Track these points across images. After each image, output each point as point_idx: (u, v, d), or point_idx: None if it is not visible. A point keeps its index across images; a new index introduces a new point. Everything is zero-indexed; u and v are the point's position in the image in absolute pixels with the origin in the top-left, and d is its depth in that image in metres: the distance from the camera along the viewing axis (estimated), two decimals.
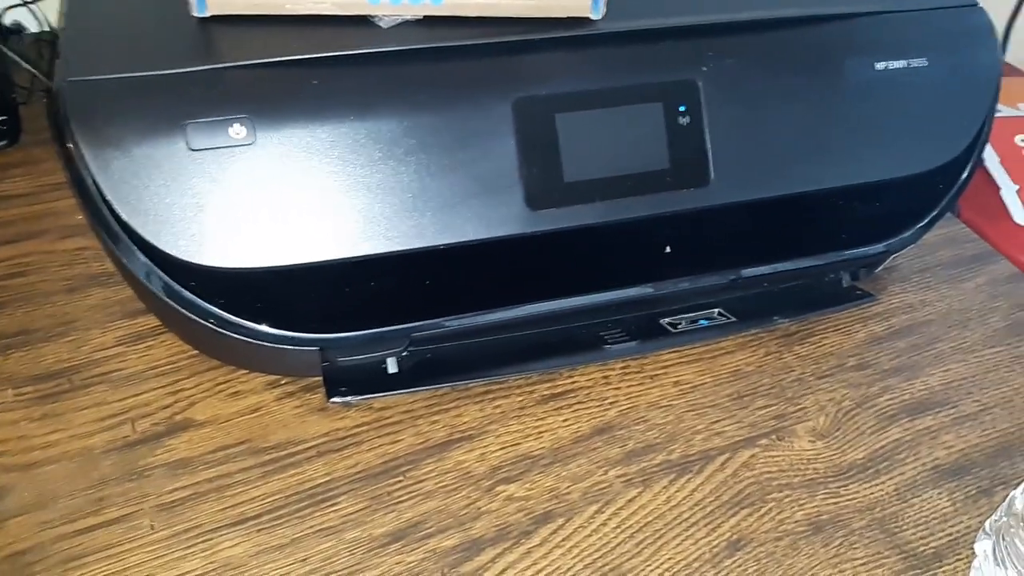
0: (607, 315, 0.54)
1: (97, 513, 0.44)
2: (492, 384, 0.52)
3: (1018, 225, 0.90)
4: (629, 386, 0.52)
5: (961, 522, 0.46)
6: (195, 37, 0.46)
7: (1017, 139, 0.96)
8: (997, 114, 0.98)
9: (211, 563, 0.43)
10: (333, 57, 0.45)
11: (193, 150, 0.42)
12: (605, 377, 0.53)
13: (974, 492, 0.48)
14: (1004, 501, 0.44)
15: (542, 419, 0.50)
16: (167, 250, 0.43)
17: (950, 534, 0.46)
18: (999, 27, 1.00)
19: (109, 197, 0.42)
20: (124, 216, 0.42)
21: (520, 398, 0.51)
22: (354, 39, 0.46)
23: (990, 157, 0.94)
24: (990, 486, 0.48)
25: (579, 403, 0.51)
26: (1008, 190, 0.91)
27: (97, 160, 0.42)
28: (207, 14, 0.46)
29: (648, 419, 0.50)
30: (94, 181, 0.42)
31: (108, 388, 0.50)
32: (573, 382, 0.52)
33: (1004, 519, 0.43)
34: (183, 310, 0.45)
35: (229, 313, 0.45)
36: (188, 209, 0.43)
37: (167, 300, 0.45)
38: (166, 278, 0.44)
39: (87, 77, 0.42)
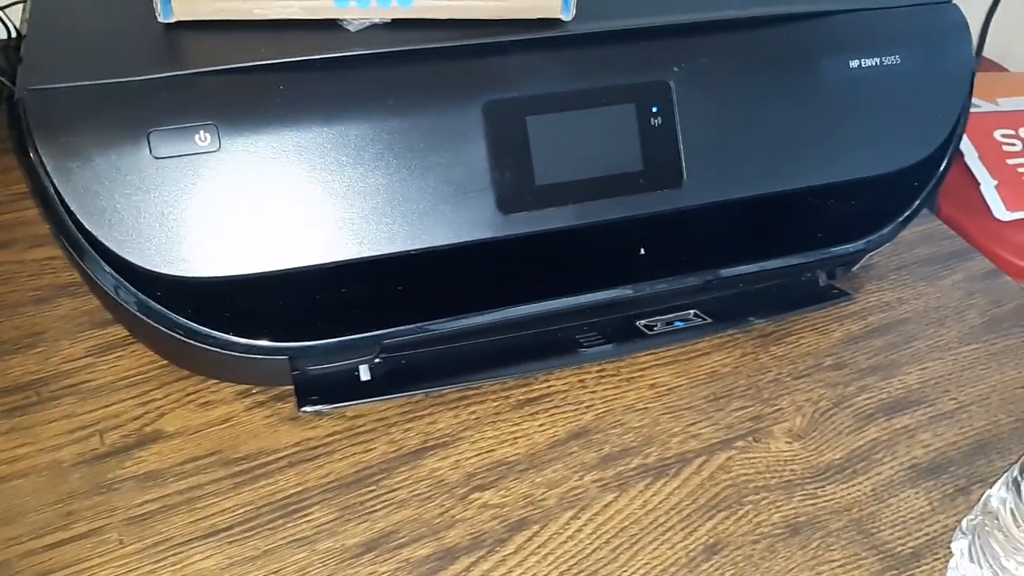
0: (582, 318, 0.54)
1: (66, 528, 0.44)
2: (467, 390, 0.51)
3: (998, 220, 0.90)
4: (605, 389, 0.52)
5: (938, 521, 0.46)
6: (160, 43, 0.46)
7: (996, 134, 0.96)
8: (976, 109, 0.99)
9: None
10: (300, 62, 0.44)
11: (157, 158, 0.42)
12: (581, 381, 0.52)
13: (951, 491, 0.48)
14: (980, 500, 0.44)
15: (517, 424, 0.50)
16: (132, 260, 0.42)
17: (927, 534, 0.46)
18: (978, 22, 1.00)
19: (73, 208, 0.41)
20: (88, 226, 0.42)
21: (495, 403, 0.51)
22: (322, 43, 0.45)
23: (969, 152, 0.94)
24: (967, 484, 0.48)
25: (555, 407, 0.51)
26: (987, 185, 0.92)
27: (59, 170, 0.41)
28: (173, 20, 0.46)
29: (624, 423, 0.50)
30: (56, 191, 0.41)
31: (77, 400, 0.49)
32: (549, 386, 0.52)
33: (980, 518, 0.42)
34: (150, 321, 0.44)
35: (196, 323, 0.44)
36: (153, 218, 0.42)
37: (134, 311, 0.44)
38: (132, 289, 0.43)
39: (48, 85, 0.42)
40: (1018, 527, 0.39)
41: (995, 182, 0.91)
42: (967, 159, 0.93)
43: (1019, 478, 0.40)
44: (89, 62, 0.44)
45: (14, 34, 0.75)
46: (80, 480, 0.46)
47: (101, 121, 0.42)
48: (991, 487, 0.43)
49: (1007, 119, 0.97)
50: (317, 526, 0.44)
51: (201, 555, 0.43)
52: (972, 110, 0.97)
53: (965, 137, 0.93)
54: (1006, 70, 1.13)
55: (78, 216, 0.42)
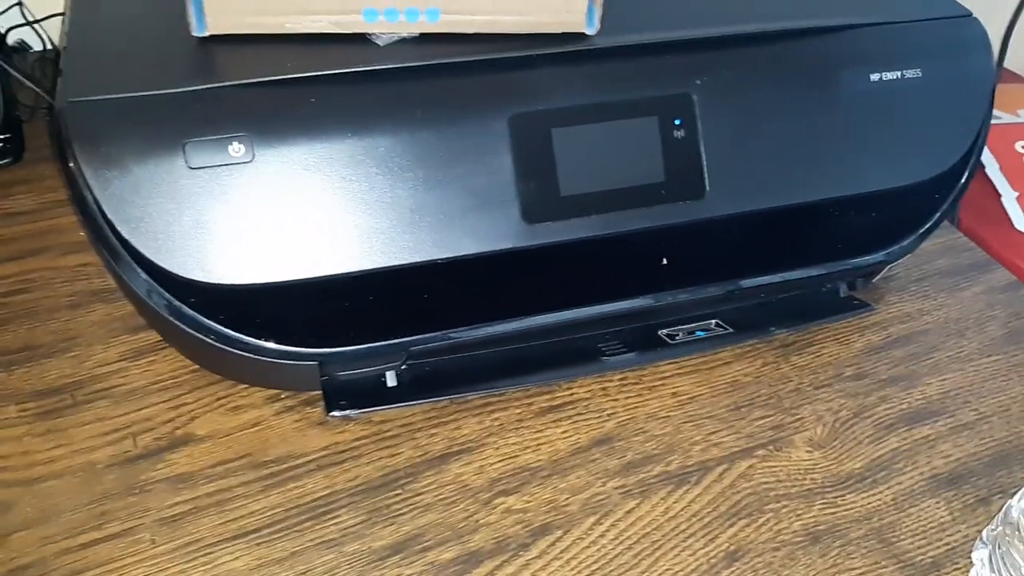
0: (605, 327, 0.54)
1: (99, 528, 0.45)
2: (491, 397, 0.52)
3: (1019, 232, 0.90)
4: (627, 398, 0.52)
5: (959, 531, 0.47)
6: (195, 56, 0.47)
7: (1017, 146, 0.96)
8: (997, 121, 0.99)
9: None
10: (331, 75, 0.46)
11: (192, 168, 0.43)
12: (603, 389, 0.53)
13: (972, 501, 0.48)
14: (1001, 510, 0.44)
15: (540, 431, 0.50)
16: (167, 267, 0.43)
17: (948, 543, 0.46)
18: (998, 33, 1.00)
19: (110, 215, 0.43)
20: (125, 234, 0.43)
21: (519, 410, 0.51)
22: (352, 57, 0.47)
23: (990, 164, 0.94)
24: (988, 495, 0.48)
25: (577, 415, 0.51)
26: (1008, 197, 0.92)
27: (98, 179, 0.42)
28: (207, 33, 0.47)
29: (646, 430, 0.51)
30: (95, 200, 0.42)
31: (110, 403, 0.50)
32: (571, 394, 0.53)
33: (1000, 528, 0.43)
34: (183, 326, 0.45)
35: (229, 329, 0.45)
36: (188, 226, 0.43)
37: (168, 316, 0.45)
38: (166, 295, 0.44)
39: (87, 97, 0.43)
40: None
41: (1016, 194, 0.91)
42: (988, 171, 0.93)
43: None
44: (126, 75, 0.45)
45: (49, 46, 0.77)
46: (113, 481, 0.47)
47: (138, 132, 0.43)
48: (1012, 498, 0.43)
49: None
50: (344, 528, 0.45)
51: (231, 556, 0.44)
52: (993, 122, 0.97)
53: (986, 149, 0.94)
54: None
55: (115, 223, 0.43)
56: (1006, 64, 1.03)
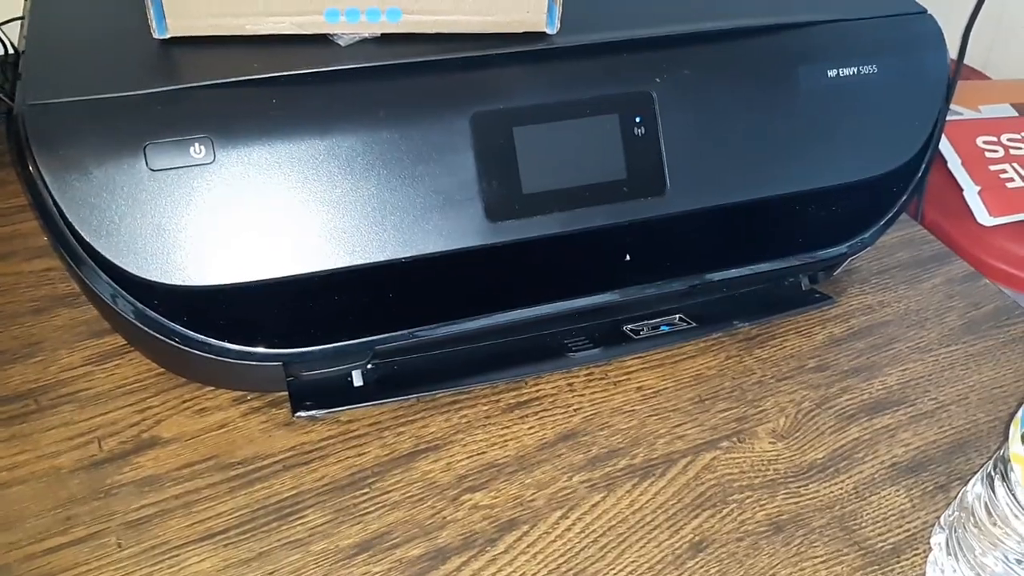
0: (570, 323, 0.55)
1: (64, 532, 0.45)
2: (458, 394, 0.52)
3: (981, 226, 0.92)
4: (593, 393, 0.53)
5: (918, 518, 0.47)
6: (155, 58, 0.47)
7: (979, 141, 0.97)
8: (959, 117, 1.01)
9: None
10: (292, 76, 0.46)
11: (154, 170, 0.43)
12: (570, 384, 0.53)
13: (931, 488, 0.49)
14: (958, 496, 0.45)
15: (507, 427, 0.51)
16: (130, 270, 0.43)
17: (907, 530, 0.47)
18: (958, 30, 1.02)
19: (71, 219, 0.43)
20: (86, 237, 0.43)
21: (486, 407, 0.52)
22: (313, 57, 0.47)
23: (952, 159, 0.95)
24: (946, 482, 0.49)
25: (544, 411, 0.52)
26: (971, 191, 0.93)
27: (58, 183, 0.42)
28: (167, 36, 0.47)
29: (612, 424, 0.51)
30: (55, 203, 0.42)
31: (75, 408, 0.50)
32: (538, 390, 0.53)
33: (956, 513, 0.44)
34: (147, 329, 0.45)
35: (193, 331, 0.45)
36: (150, 229, 0.43)
37: (132, 320, 0.45)
38: (130, 298, 0.44)
39: (47, 100, 0.43)
40: (992, 521, 0.40)
41: (978, 188, 0.93)
42: (950, 166, 0.95)
43: (993, 474, 0.41)
44: (86, 77, 0.45)
45: (11, 51, 0.76)
46: (79, 486, 0.47)
47: (98, 135, 0.43)
48: (968, 484, 0.44)
49: (989, 126, 0.99)
50: (311, 528, 0.45)
51: (198, 557, 0.44)
52: (955, 118, 0.99)
53: (948, 144, 0.95)
54: (988, 78, 1.14)
55: (76, 227, 0.43)
56: (966, 61, 1.05)
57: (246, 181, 0.44)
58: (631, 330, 0.55)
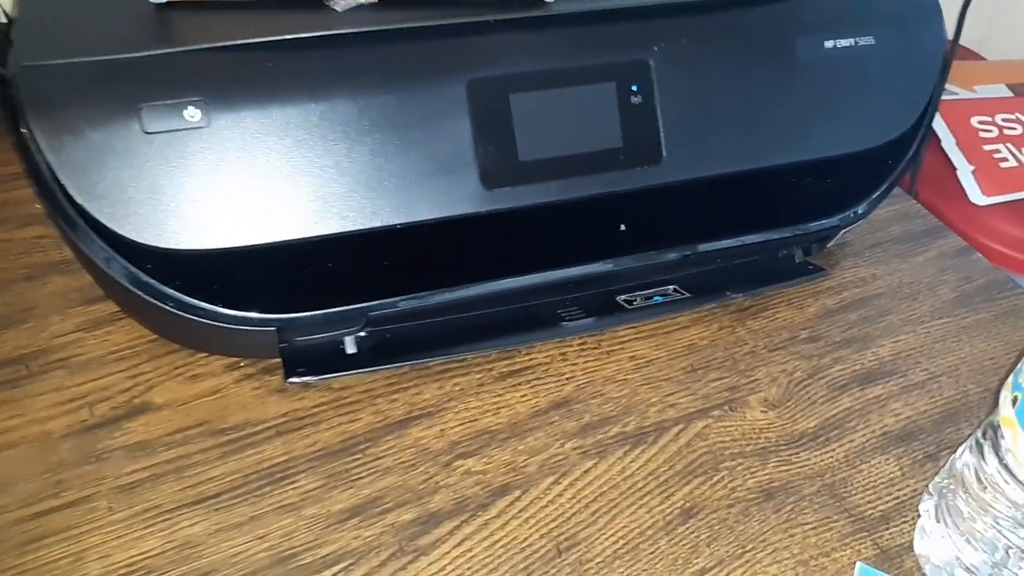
0: (564, 293, 0.55)
1: (55, 496, 0.44)
2: (451, 362, 0.52)
3: (974, 205, 0.92)
4: (586, 362, 0.53)
5: (908, 486, 0.48)
6: (151, 22, 0.47)
7: (973, 120, 0.97)
8: (954, 96, 1.01)
9: (170, 542, 0.43)
10: (288, 40, 0.45)
11: (148, 133, 0.43)
12: (563, 354, 0.53)
13: (921, 457, 0.49)
14: (947, 464, 0.45)
15: (500, 395, 0.51)
16: (123, 233, 0.43)
17: (897, 497, 0.47)
18: (955, 10, 1.02)
19: (64, 182, 0.42)
20: (80, 200, 0.42)
21: (479, 375, 0.52)
22: (309, 22, 0.46)
23: (947, 139, 0.96)
24: (936, 451, 0.50)
25: (537, 379, 0.52)
26: (964, 171, 0.93)
27: (51, 145, 0.42)
28: (164, 0, 0.46)
29: (604, 393, 0.51)
30: (49, 166, 0.42)
31: (66, 373, 0.50)
32: (531, 359, 0.53)
33: (946, 480, 0.44)
34: (141, 293, 0.45)
35: (186, 295, 0.45)
36: (144, 192, 0.43)
37: (125, 284, 0.45)
38: (123, 262, 0.44)
39: (40, 62, 0.42)
40: (981, 487, 0.41)
41: (972, 167, 0.93)
42: (944, 145, 0.95)
43: (982, 440, 0.41)
44: (80, 41, 0.45)
45: (3, 19, 0.75)
46: (69, 451, 0.46)
47: (93, 97, 0.42)
48: (957, 451, 0.45)
49: (984, 106, 0.99)
50: (303, 493, 0.45)
51: (189, 521, 0.44)
52: (949, 97, 0.99)
53: (943, 123, 0.95)
54: (983, 58, 1.14)
55: (70, 190, 0.42)
56: (962, 41, 1.05)
57: (241, 145, 0.44)
58: (624, 300, 0.55)
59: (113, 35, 0.45)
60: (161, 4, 0.47)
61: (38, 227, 0.58)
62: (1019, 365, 0.39)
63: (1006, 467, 0.39)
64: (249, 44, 0.45)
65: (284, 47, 0.45)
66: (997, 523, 0.40)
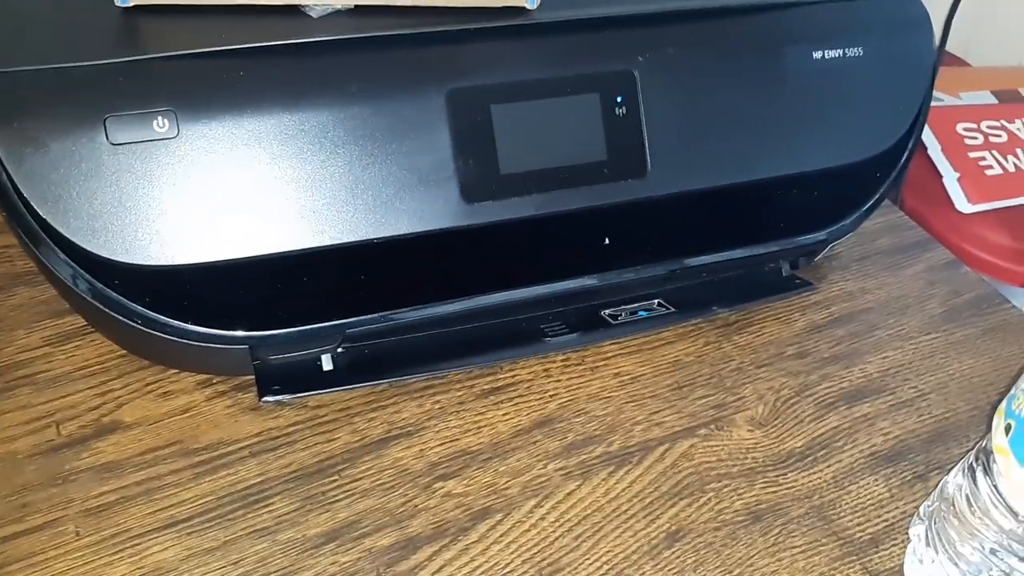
0: (547, 308, 0.53)
1: (20, 520, 0.43)
2: (431, 379, 0.51)
3: (960, 213, 0.92)
4: (570, 378, 0.52)
5: (897, 507, 0.47)
6: (118, 28, 0.45)
7: (959, 127, 0.97)
8: (939, 103, 1.00)
9: (140, 568, 0.42)
10: (261, 47, 0.44)
11: (115, 144, 0.41)
12: (546, 370, 0.52)
13: (910, 478, 0.48)
14: (938, 486, 0.44)
15: (482, 414, 0.50)
16: (89, 248, 0.42)
17: (886, 520, 0.46)
18: (940, 17, 1.01)
19: (26, 194, 0.41)
20: (43, 214, 0.41)
21: (460, 393, 0.51)
22: (283, 29, 0.45)
23: (932, 146, 0.95)
24: (925, 471, 0.49)
25: (519, 396, 0.51)
26: (950, 178, 0.93)
27: (12, 156, 0.40)
28: (131, 4, 0.45)
29: (588, 411, 0.50)
30: (10, 178, 0.40)
31: (33, 390, 0.48)
32: (514, 376, 0.52)
33: (936, 504, 0.43)
34: (107, 310, 0.43)
35: (155, 312, 0.44)
36: (110, 206, 0.41)
37: (91, 300, 0.43)
38: (89, 278, 0.43)
39: (1, 69, 0.41)
40: (972, 513, 0.40)
41: (957, 175, 0.93)
42: (930, 152, 0.95)
43: (974, 465, 0.40)
44: (44, 47, 0.43)
45: None
46: (35, 472, 0.45)
47: (56, 106, 0.41)
48: (948, 474, 0.44)
49: (969, 113, 0.98)
50: (278, 516, 0.44)
51: (160, 546, 0.42)
52: (935, 104, 0.99)
53: (928, 131, 0.95)
54: (968, 65, 1.14)
55: (32, 203, 0.41)
56: (947, 47, 1.05)
57: (211, 157, 0.42)
58: (609, 315, 0.54)
59: (78, 40, 0.44)
60: (128, 7, 0.45)
61: (3, 237, 0.56)
62: (1012, 390, 0.38)
63: (998, 493, 0.38)
64: (221, 51, 0.43)
65: (257, 55, 0.44)
66: (989, 548, 0.39)
